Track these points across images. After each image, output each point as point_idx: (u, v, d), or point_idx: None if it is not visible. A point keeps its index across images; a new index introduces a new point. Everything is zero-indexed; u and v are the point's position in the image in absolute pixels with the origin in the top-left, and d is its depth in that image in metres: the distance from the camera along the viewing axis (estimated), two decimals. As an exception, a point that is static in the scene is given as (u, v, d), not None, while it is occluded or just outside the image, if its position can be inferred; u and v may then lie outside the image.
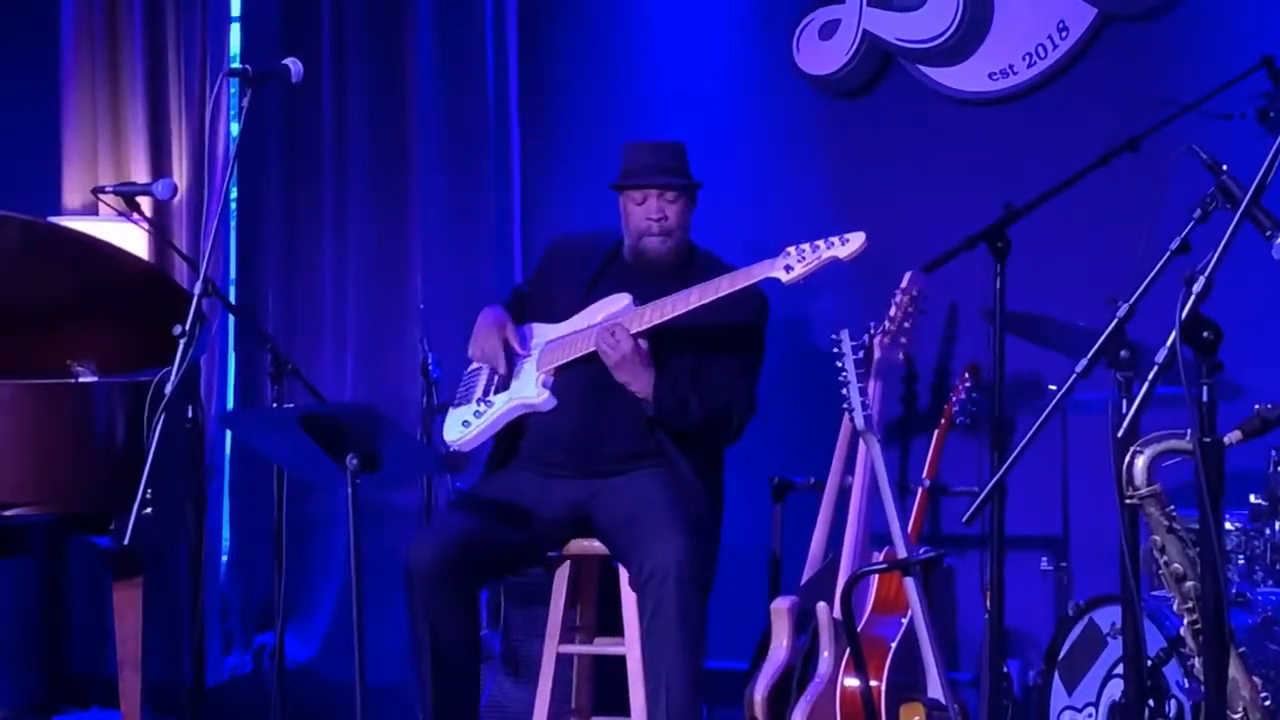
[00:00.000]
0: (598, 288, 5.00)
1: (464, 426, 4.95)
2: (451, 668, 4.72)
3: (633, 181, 4.97)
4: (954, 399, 5.34)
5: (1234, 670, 3.28)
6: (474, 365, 5.11)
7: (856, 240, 4.64)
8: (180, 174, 6.29)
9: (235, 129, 6.17)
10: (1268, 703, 3.37)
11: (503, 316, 5.05)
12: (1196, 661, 3.33)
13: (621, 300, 4.90)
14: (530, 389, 4.91)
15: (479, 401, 4.98)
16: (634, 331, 4.76)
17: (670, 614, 4.55)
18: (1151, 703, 4.25)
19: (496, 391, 4.97)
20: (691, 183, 4.99)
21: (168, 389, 4.24)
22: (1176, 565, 3.36)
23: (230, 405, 6.36)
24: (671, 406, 4.80)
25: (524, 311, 5.13)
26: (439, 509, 5.46)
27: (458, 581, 4.72)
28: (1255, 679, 3.40)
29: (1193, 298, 3.02)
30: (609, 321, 4.82)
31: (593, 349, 4.81)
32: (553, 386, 4.90)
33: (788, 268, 4.66)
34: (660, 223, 4.94)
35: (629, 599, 4.71)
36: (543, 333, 5.02)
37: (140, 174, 6.27)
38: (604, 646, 5.02)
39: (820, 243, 4.67)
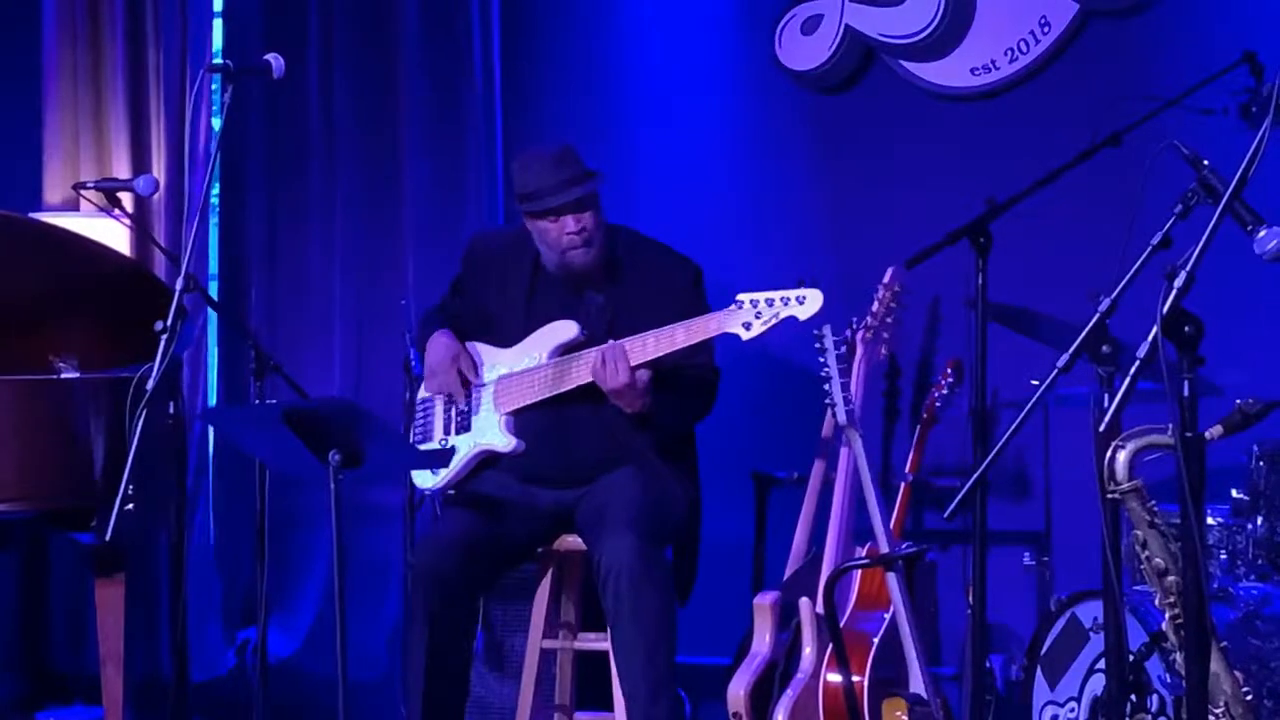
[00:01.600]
0: (534, 304, 4.93)
1: (433, 474, 4.94)
2: (446, 672, 4.73)
3: (545, 206, 4.79)
4: (936, 394, 5.35)
5: (1216, 665, 3.29)
6: (426, 395, 5.09)
7: (814, 302, 4.55)
8: (161, 169, 6.28)
9: (218, 124, 6.16)
10: (1249, 697, 3.38)
11: (455, 346, 4.96)
12: (1178, 656, 3.33)
13: (569, 329, 4.84)
14: (495, 435, 4.87)
15: (441, 443, 4.96)
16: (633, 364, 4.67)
17: (626, 611, 4.58)
18: (1133, 697, 4.24)
19: (458, 431, 4.95)
20: (595, 183, 4.83)
21: (149, 385, 4.23)
22: (1158, 560, 3.37)
23: (213, 401, 6.35)
24: (666, 423, 4.82)
25: (459, 324, 5.07)
26: (423, 504, 5.45)
27: (463, 586, 4.73)
28: (1237, 674, 3.40)
29: (1174, 292, 3.03)
30: (594, 350, 4.73)
31: (552, 394, 4.79)
32: (515, 427, 4.87)
33: (746, 324, 4.58)
34: (581, 234, 4.81)
35: (611, 595, 4.72)
36: (491, 358, 4.95)
37: (122, 169, 6.26)
38: (587, 642, 5.02)
39: (777, 299, 4.56)
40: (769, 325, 4.57)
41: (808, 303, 4.55)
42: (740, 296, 4.59)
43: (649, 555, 4.59)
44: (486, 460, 4.93)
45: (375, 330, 6.27)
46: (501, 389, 4.89)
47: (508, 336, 4.93)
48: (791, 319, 4.56)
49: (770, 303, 4.56)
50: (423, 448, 5.00)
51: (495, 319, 4.99)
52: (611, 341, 4.68)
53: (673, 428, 4.88)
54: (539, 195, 4.80)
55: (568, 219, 4.81)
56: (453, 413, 4.97)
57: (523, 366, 4.86)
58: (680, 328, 4.66)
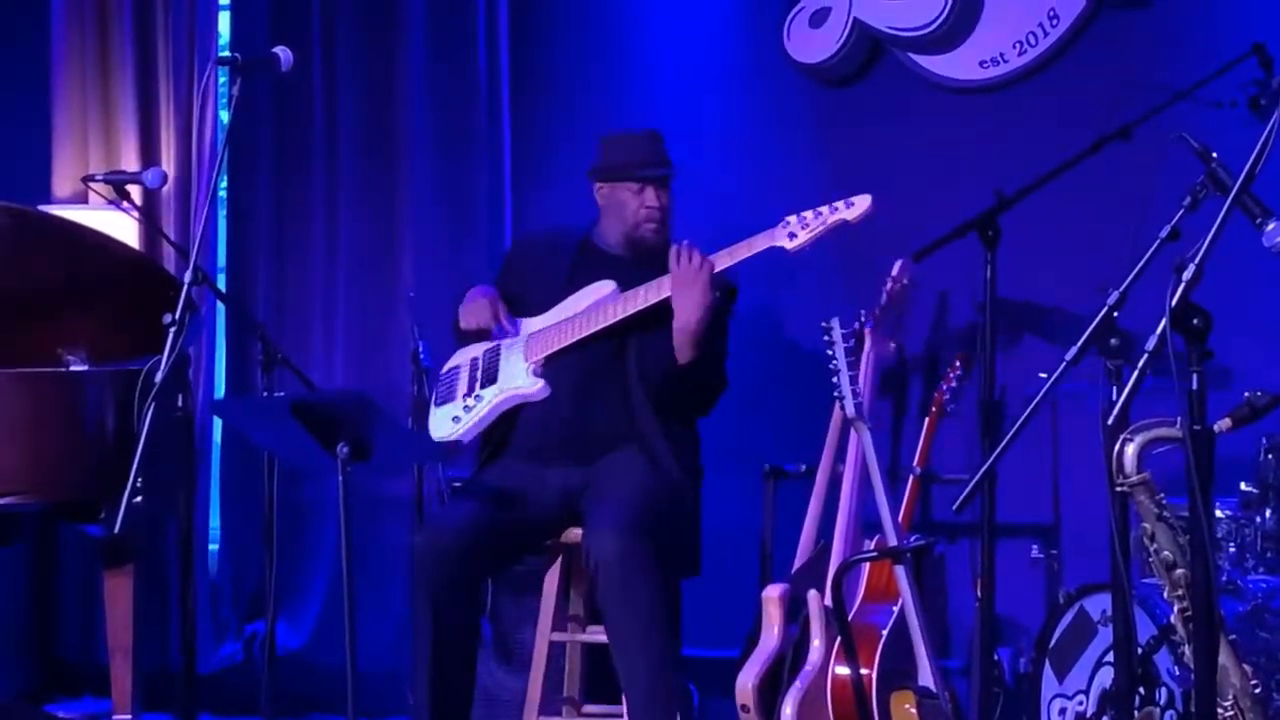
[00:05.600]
0: (576, 278, 5.00)
1: (454, 423, 4.95)
2: (451, 656, 4.74)
3: (634, 175, 5.00)
4: (945, 387, 5.34)
5: (1224, 658, 3.29)
6: (451, 365, 5.12)
7: (863, 203, 4.66)
8: (170, 162, 6.28)
9: (225, 117, 6.16)
10: (1258, 690, 3.38)
11: (493, 291, 5.06)
12: (1187, 649, 3.34)
13: (606, 286, 4.91)
14: (522, 379, 4.91)
15: (465, 397, 4.98)
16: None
17: (616, 602, 4.62)
18: (1142, 690, 4.25)
19: (484, 384, 4.97)
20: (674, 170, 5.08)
21: (158, 377, 4.23)
22: (1167, 553, 3.37)
23: (220, 393, 6.36)
24: (704, 369, 4.87)
25: None
26: (431, 497, 5.46)
27: (465, 569, 4.75)
28: (1246, 666, 3.40)
29: (1183, 285, 3.03)
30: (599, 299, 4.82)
31: (583, 335, 4.83)
32: (541, 374, 4.90)
33: (791, 235, 4.68)
34: (660, 210, 5.00)
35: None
36: (527, 325, 5.03)
37: (130, 162, 6.26)
38: (596, 635, 5.02)
39: (824, 208, 4.68)
40: (815, 233, 4.69)
41: (855, 205, 4.67)
42: (788, 217, 4.65)
43: (634, 550, 4.61)
44: (500, 444, 4.94)
45: (379, 323, 6.26)
46: (532, 341, 4.94)
47: (546, 307, 4.99)
48: (842, 223, 4.64)
49: (818, 214, 4.69)
50: (443, 408, 5.00)
51: (534, 298, 5.06)
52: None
53: (703, 379, 4.91)
54: (630, 165, 5.02)
55: (649, 192, 5.00)
56: (478, 372, 5.00)
57: (555, 320, 4.92)
58: (725, 252, 4.79)
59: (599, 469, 4.86)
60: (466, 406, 4.97)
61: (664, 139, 5.08)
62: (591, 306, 4.89)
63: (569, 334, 4.88)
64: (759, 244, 4.75)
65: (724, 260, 4.77)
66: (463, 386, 5.03)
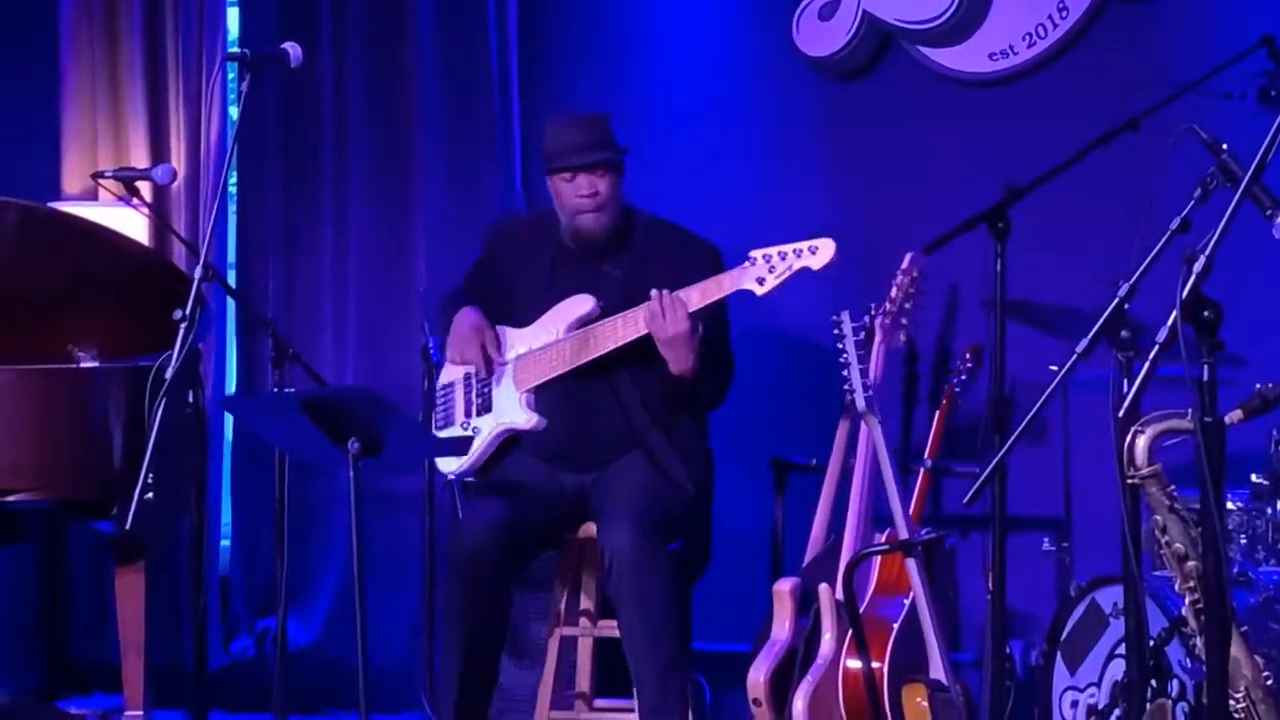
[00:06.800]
0: (554, 283, 4.96)
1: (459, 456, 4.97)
2: (479, 657, 4.76)
3: (562, 163, 4.89)
4: (955, 380, 5.34)
5: (1236, 650, 3.28)
6: (446, 381, 5.10)
7: (827, 250, 4.58)
8: (179, 159, 6.28)
9: (235, 113, 6.16)
10: (1269, 682, 3.37)
11: (481, 321, 5.00)
12: (1198, 641, 3.33)
13: (586, 303, 4.87)
14: (516, 413, 4.89)
15: (463, 426, 4.98)
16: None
17: (628, 600, 4.64)
18: (1154, 682, 4.25)
19: (479, 413, 4.96)
20: (618, 153, 4.90)
21: (169, 374, 4.24)
22: (1178, 545, 3.36)
23: (231, 390, 6.36)
24: (703, 390, 4.84)
25: (483, 306, 5.11)
26: (445, 497, 5.46)
27: (496, 571, 4.75)
28: (1257, 658, 3.39)
29: (1193, 277, 3.02)
30: (659, 301, 4.72)
31: (571, 367, 4.80)
32: (535, 404, 4.89)
33: (760, 279, 4.61)
34: (593, 198, 4.87)
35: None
36: (511, 339, 4.98)
37: (140, 159, 6.26)
38: (607, 629, 5.02)
39: (789, 251, 4.59)
40: (782, 279, 4.60)
41: (820, 252, 4.59)
42: (753, 253, 4.62)
43: (648, 545, 4.62)
44: (509, 442, 4.94)
45: (390, 319, 6.26)
46: (520, 367, 4.91)
47: (528, 316, 4.96)
48: (805, 270, 4.58)
49: (783, 256, 4.60)
50: (444, 433, 5.01)
51: (517, 300, 5.01)
52: (664, 291, 4.67)
53: (705, 397, 4.89)
54: (559, 154, 4.89)
55: (581, 180, 4.87)
56: (473, 395, 4.99)
57: (540, 343, 4.89)
58: (695, 289, 4.69)
59: (608, 472, 4.87)
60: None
61: (607, 122, 4.93)
62: (571, 327, 4.84)
63: (555, 363, 4.85)
64: (728, 285, 4.67)
65: (695, 300, 4.68)
66: (459, 411, 5.02)
